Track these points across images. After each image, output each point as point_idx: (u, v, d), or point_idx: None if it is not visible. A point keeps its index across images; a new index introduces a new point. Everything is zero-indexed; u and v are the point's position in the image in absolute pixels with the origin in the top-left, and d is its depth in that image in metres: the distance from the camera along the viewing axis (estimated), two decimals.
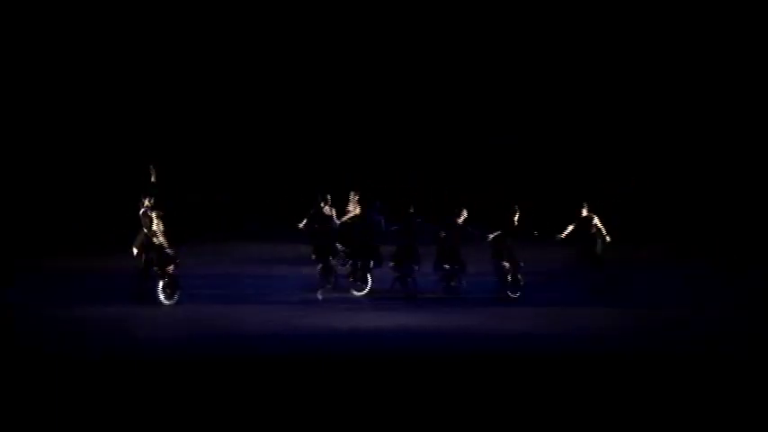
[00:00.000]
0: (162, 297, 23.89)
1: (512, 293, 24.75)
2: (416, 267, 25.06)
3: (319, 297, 24.86)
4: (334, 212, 25.77)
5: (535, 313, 23.59)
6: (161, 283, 23.88)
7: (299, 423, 16.35)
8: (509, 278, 24.76)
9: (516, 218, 24.86)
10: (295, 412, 16.64)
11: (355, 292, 25.25)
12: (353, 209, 26.22)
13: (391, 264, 25.18)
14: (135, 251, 24.27)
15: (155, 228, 23.95)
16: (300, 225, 25.74)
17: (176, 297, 24.00)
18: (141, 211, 24.23)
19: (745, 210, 35.20)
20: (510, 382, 18.19)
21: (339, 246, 25.70)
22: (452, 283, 25.15)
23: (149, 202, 24.24)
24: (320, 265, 25.37)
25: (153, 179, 24.64)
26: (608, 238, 25.46)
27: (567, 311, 23.81)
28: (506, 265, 24.68)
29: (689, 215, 35.49)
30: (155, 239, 23.93)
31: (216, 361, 19.43)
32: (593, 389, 17.81)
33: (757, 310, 23.78)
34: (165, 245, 23.87)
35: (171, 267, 23.93)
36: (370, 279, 25.37)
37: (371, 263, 25.34)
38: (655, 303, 24.61)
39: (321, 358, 19.62)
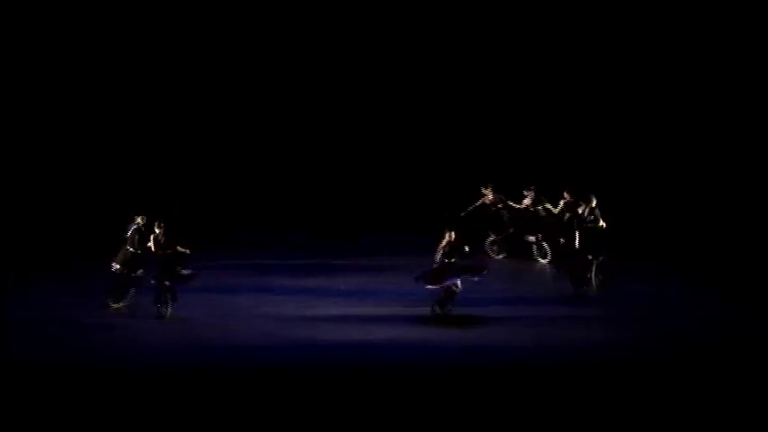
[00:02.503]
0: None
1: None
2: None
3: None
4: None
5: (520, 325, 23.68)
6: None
7: None
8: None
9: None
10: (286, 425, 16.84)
11: None
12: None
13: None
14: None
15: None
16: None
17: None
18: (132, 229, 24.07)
19: (733, 217, 35.27)
20: (499, 396, 18.43)
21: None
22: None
23: (158, 227, 23.83)
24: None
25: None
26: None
27: (550, 323, 23.82)
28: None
29: (682, 222, 35.60)
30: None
31: (221, 373, 19.59)
32: (579, 401, 18.03)
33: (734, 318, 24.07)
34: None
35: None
36: None
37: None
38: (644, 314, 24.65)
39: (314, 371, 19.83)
